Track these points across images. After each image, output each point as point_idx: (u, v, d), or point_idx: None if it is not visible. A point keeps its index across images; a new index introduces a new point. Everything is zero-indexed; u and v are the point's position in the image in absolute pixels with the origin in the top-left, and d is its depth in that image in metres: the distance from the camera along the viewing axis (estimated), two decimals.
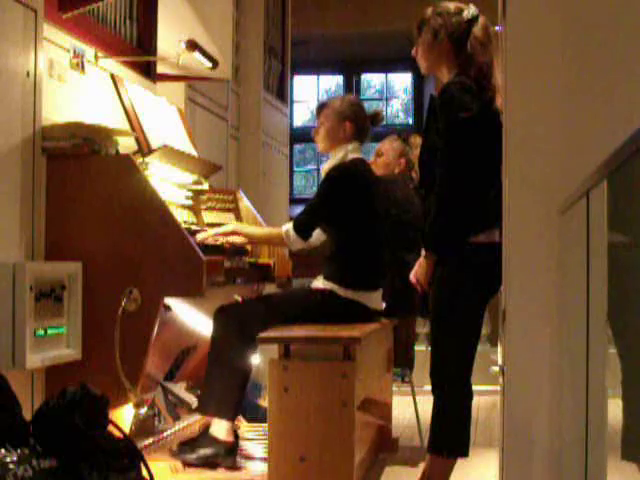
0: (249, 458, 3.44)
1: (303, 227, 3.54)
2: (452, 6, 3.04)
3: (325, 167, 3.68)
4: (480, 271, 2.91)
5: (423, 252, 2.98)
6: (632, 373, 1.69)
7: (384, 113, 3.91)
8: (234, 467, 3.26)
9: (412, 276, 3.03)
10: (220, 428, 3.28)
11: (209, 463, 3.24)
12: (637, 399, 1.61)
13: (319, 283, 3.56)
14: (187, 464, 3.24)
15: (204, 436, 3.31)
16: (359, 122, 3.68)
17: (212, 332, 3.39)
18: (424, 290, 3.01)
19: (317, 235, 3.69)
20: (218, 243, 3.46)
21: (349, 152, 3.63)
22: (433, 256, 2.94)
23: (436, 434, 2.98)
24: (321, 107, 3.76)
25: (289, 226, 3.55)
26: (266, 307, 3.47)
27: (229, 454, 3.27)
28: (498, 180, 2.97)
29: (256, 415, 4.01)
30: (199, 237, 3.39)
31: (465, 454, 3.01)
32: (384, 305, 3.76)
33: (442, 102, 2.94)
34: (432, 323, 3.03)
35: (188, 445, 3.32)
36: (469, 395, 3.00)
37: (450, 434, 2.97)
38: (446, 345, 2.96)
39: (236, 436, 3.35)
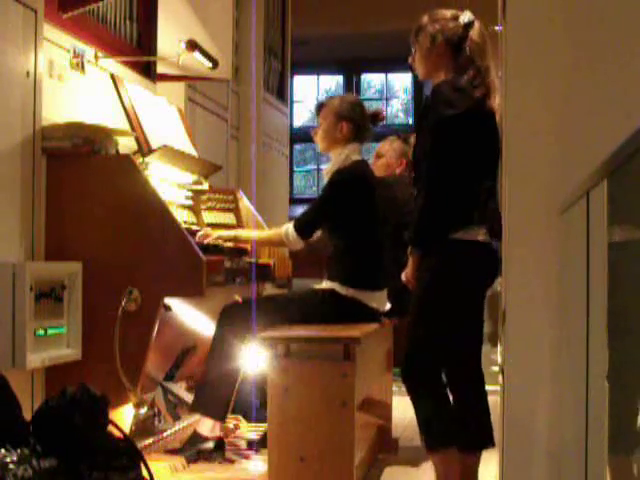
0: (248, 458, 3.45)
1: (304, 228, 3.55)
2: (448, 12, 3.06)
3: (327, 169, 3.67)
4: (459, 268, 2.92)
5: (409, 249, 3.00)
6: (628, 373, 1.68)
7: (385, 112, 3.89)
8: (223, 461, 3.35)
9: (403, 275, 3.05)
10: (206, 426, 3.37)
11: (202, 458, 3.33)
12: (629, 399, 1.61)
13: (322, 285, 3.57)
14: (188, 461, 3.31)
15: (192, 436, 3.40)
16: (357, 122, 3.63)
17: (214, 331, 3.42)
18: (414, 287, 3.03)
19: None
20: (218, 243, 3.48)
21: (349, 154, 3.62)
22: (417, 252, 2.96)
23: (427, 432, 2.96)
24: (320, 106, 3.74)
25: (289, 226, 3.55)
26: (270, 308, 3.49)
27: (216, 449, 3.35)
28: (489, 179, 2.98)
29: (256, 415, 4.01)
30: (199, 235, 3.41)
31: (465, 445, 2.98)
32: (389, 306, 3.76)
33: (432, 101, 2.96)
34: (411, 316, 3.00)
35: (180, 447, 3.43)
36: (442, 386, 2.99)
37: (436, 427, 2.94)
38: (421, 337, 2.95)
39: (224, 433, 3.45)
